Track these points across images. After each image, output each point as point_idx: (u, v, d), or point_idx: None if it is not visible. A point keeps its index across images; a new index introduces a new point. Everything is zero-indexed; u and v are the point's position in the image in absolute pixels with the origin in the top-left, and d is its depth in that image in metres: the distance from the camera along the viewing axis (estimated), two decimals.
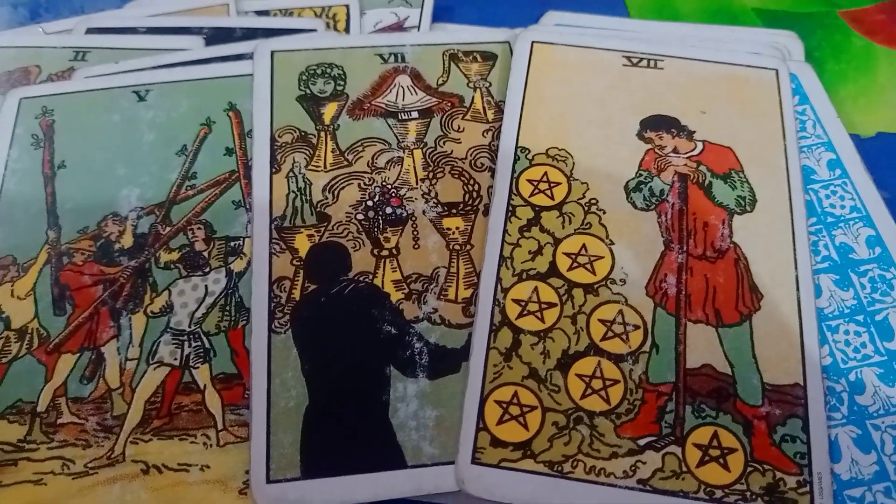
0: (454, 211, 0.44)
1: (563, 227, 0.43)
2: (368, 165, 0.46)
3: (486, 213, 0.43)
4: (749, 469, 0.36)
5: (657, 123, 0.46)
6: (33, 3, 0.58)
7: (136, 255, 0.43)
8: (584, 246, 0.42)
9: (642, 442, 0.37)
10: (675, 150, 0.45)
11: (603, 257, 0.42)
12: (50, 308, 0.42)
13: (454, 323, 0.41)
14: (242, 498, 0.37)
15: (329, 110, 0.48)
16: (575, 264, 0.41)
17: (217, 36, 0.53)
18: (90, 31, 0.54)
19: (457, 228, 0.44)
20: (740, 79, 0.48)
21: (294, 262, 0.42)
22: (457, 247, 0.43)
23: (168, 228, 0.44)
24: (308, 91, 0.48)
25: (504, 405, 0.38)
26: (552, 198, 0.43)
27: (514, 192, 0.43)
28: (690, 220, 0.43)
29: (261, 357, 0.39)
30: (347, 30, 0.54)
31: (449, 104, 0.48)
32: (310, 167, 0.45)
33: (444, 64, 0.50)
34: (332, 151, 0.46)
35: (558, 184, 0.44)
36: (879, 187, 0.45)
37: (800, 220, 0.43)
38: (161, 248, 0.44)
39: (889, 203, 0.44)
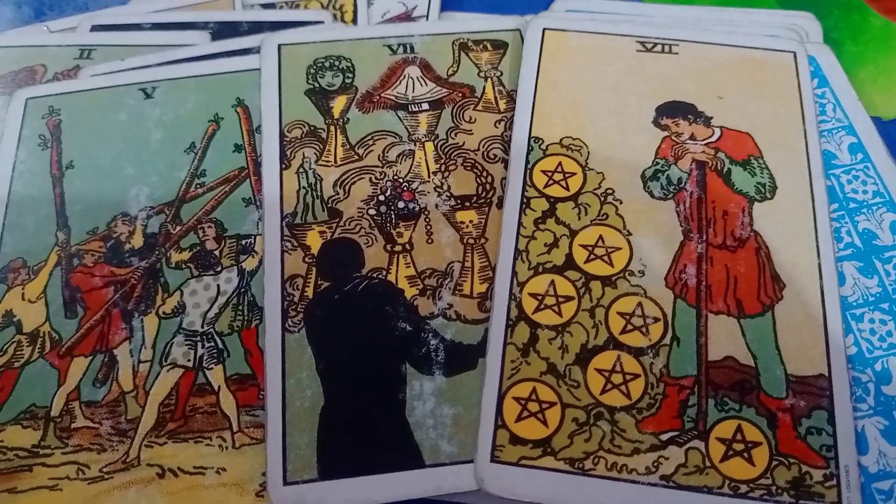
0: (467, 204, 0.43)
1: (579, 219, 0.42)
2: (379, 159, 0.45)
3: (500, 205, 0.43)
4: (774, 463, 0.36)
5: (673, 110, 0.45)
6: (37, 1, 0.58)
7: (147, 255, 0.43)
8: (600, 237, 0.41)
9: (664, 437, 0.36)
10: (692, 137, 0.44)
11: (620, 248, 0.41)
12: (61, 311, 0.42)
13: (470, 318, 0.40)
14: (259, 500, 0.36)
15: (338, 104, 0.47)
16: (592, 256, 0.41)
17: (223, 30, 0.52)
18: (95, 28, 0.53)
19: (470, 222, 0.43)
20: (757, 62, 0.47)
21: (306, 259, 0.42)
22: (471, 241, 0.42)
23: (178, 228, 0.44)
24: (316, 84, 0.48)
25: (523, 402, 0.37)
26: (567, 188, 0.43)
27: (529, 183, 0.43)
28: (709, 208, 0.42)
29: (275, 357, 0.39)
30: (355, 21, 0.53)
31: (460, 95, 0.47)
32: (320, 162, 0.45)
33: (453, 53, 0.49)
34: (343, 146, 0.45)
35: (573, 174, 0.43)
36: None
37: (821, 207, 0.42)
38: (172, 247, 0.43)
39: None
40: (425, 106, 0.47)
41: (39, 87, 0.50)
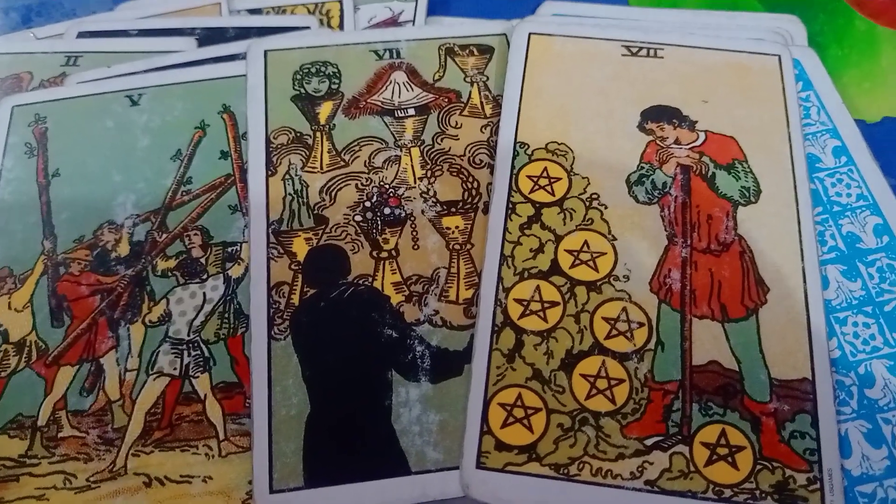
0: (453, 210, 0.44)
1: (565, 224, 0.42)
2: (365, 165, 0.45)
3: (486, 211, 0.43)
4: (758, 467, 0.36)
5: (658, 114, 0.45)
6: (24, 7, 0.58)
7: (133, 263, 0.43)
8: (585, 242, 0.41)
9: (649, 442, 0.37)
10: (676, 142, 0.44)
11: (605, 253, 0.41)
12: (48, 320, 0.42)
13: (456, 325, 0.40)
14: None
15: (324, 110, 0.47)
16: (577, 261, 0.41)
17: (209, 36, 0.52)
18: (81, 35, 0.53)
19: (456, 227, 0.43)
20: (742, 66, 0.47)
21: (292, 266, 0.42)
22: (457, 246, 0.42)
23: (164, 235, 0.44)
24: (303, 90, 0.48)
25: (508, 408, 0.37)
26: (552, 193, 0.43)
27: (514, 188, 0.43)
28: (694, 212, 0.42)
29: (261, 365, 0.39)
30: (341, 26, 0.53)
31: (446, 100, 0.47)
32: (306, 168, 0.45)
33: (440, 59, 0.49)
34: (329, 152, 0.45)
35: (558, 179, 0.43)
36: (886, 174, 0.44)
37: (805, 210, 0.42)
38: (158, 255, 0.43)
39: None
40: (411, 111, 0.47)
41: (26, 94, 0.50)
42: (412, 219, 0.43)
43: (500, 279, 0.40)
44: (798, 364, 0.38)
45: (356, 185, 0.44)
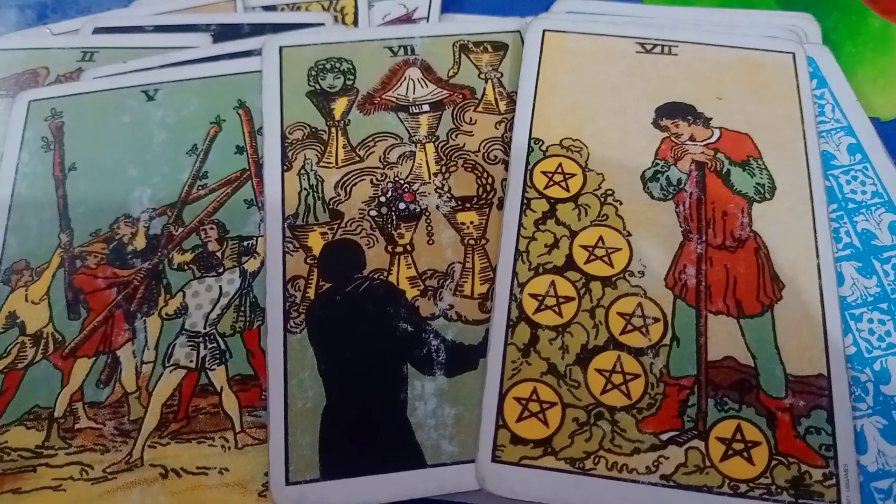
0: (468, 205, 0.44)
1: (580, 220, 0.42)
2: (380, 160, 0.45)
3: (501, 206, 0.43)
4: (774, 462, 0.36)
5: (673, 111, 0.45)
6: (40, 4, 0.58)
7: (150, 256, 0.43)
8: (600, 238, 0.41)
9: (664, 437, 0.37)
10: (691, 138, 0.44)
11: (620, 249, 0.41)
12: (64, 312, 0.42)
13: (471, 319, 0.40)
14: (262, 500, 0.37)
15: (339, 105, 0.47)
16: (592, 257, 0.41)
17: (224, 33, 0.53)
18: (97, 30, 0.53)
19: (471, 223, 0.43)
20: (756, 63, 0.47)
21: (308, 260, 0.42)
22: (471, 241, 0.42)
23: (181, 229, 0.44)
24: (318, 86, 0.48)
25: (523, 402, 0.37)
26: (567, 189, 0.43)
27: (529, 184, 0.43)
28: (709, 209, 0.42)
29: (277, 357, 0.39)
30: (356, 23, 0.54)
31: (460, 96, 0.48)
32: (321, 164, 0.45)
33: (454, 55, 0.49)
34: (344, 147, 0.46)
35: (573, 175, 0.43)
36: None
37: (820, 207, 0.42)
38: (174, 249, 0.43)
39: None
40: (426, 107, 0.47)
41: (42, 89, 0.50)
42: (427, 214, 0.43)
43: (514, 274, 0.40)
44: (813, 360, 0.38)
45: (371, 180, 0.45)
